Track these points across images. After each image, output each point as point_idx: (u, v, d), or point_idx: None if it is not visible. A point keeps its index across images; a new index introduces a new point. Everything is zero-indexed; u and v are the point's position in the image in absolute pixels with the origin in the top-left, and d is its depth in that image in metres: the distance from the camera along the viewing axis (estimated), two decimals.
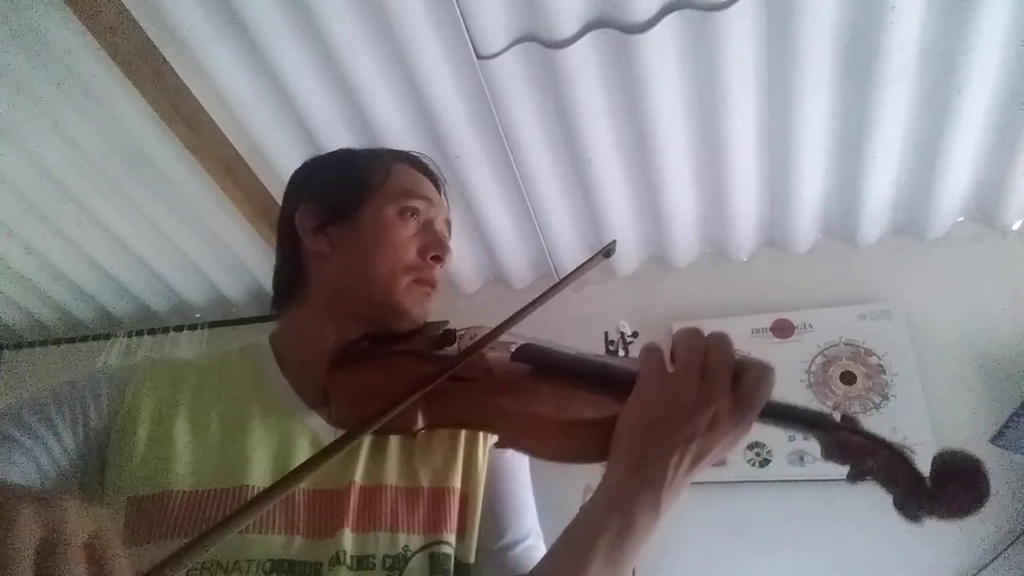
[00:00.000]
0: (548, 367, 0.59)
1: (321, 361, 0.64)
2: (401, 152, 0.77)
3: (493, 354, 0.62)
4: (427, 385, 0.52)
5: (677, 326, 1.94)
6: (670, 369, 0.50)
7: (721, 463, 1.39)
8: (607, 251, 0.69)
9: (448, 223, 0.76)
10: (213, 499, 0.56)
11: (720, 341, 0.49)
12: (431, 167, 0.77)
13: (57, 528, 0.28)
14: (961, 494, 0.42)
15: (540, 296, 0.61)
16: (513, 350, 0.61)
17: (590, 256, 0.68)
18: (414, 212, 0.70)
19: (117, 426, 0.58)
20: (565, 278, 0.65)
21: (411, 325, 0.68)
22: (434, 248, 0.70)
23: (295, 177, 0.77)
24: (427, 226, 0.71)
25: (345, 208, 0.69)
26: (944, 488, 0.43)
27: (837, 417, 0.49)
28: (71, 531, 0.29)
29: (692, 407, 0.47)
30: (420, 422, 0.58)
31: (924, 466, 0.45)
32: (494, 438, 0.65)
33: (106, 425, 0.58)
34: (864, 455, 0.46)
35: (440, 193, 0.76)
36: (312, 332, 0.68)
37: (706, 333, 0.50)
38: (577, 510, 0.53)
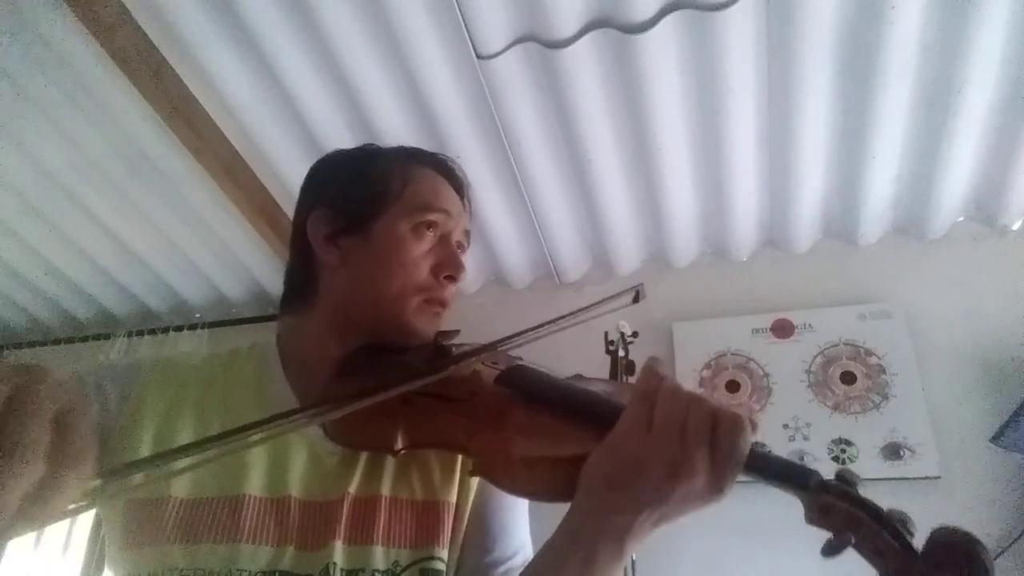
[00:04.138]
0: (532, 396, 0.56)
1: (323, 371, 0.63)
2: (425, 154, 0.73)
3: (487, 373, 0.60)
4: (400, 385, 0.50)
5: (677, 326, 1.94)
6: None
7: None
8: (636, 295, 0.64)
9: (467, 234, 0.73)
10: (209, 507, 0.56)
11: (701, 403, 0.46)
12: (456, 171, 0.74)
13: (26, 390, 0.29)
14: None
15: (541, 324, 0.58)
16: (500, 371, 0.59)
17: (616, 292, 0.63)
18: (431, 225, 0.67)
19: (121, 424, 0.58)
20: (575, 312, 0.60)
21: (419, 343, 0.66)
22: (448, 267, 0.67)
23: (313, 175, 0.74)
24: (444, 240, 0.68)
25: (359, 218, 0.66)
26: (938, 571, 0.38)
27: (831, 474, 0.44)
28: (40, 397, 0.29)
29: (669, 473, 0.44)
30: (400, 442, 0.57)
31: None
32: None
33: (110, 420, 0.58)
34: (849, 526, 0.42)
35: (463, 199, 0.73)
36: (316, 340, 0.67)
37: (675, 383, 0.47)
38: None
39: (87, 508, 0.33)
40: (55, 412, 0.30)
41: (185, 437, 0.58)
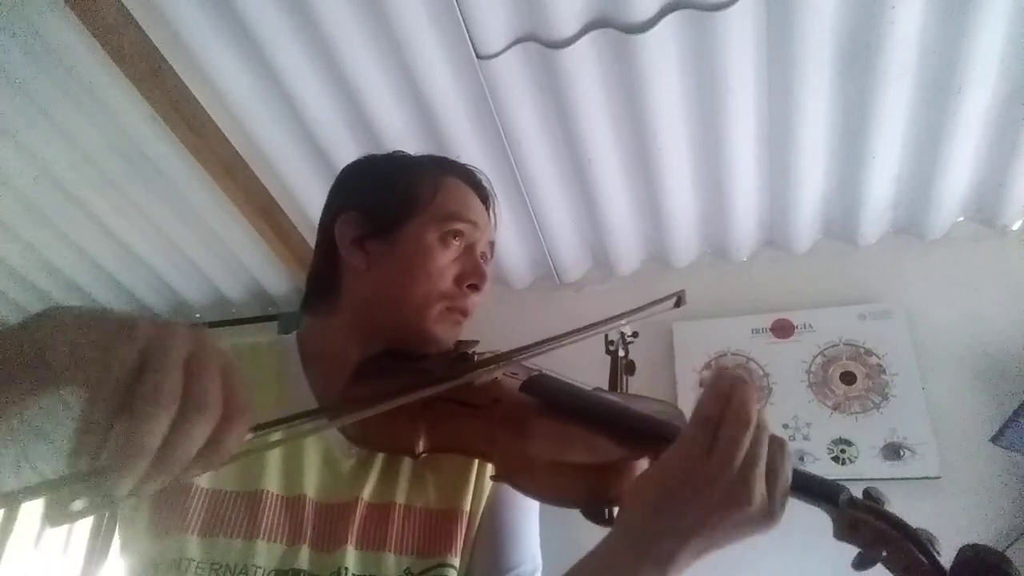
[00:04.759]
0: (555, 403, 0.57)
1: (343, 373, 0.63)
2: (455, 164, 0.75)
3: (508, 381, 0.61)
4: (422, 390, 0.50)
5: (677, 326, 1.94)
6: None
7: None
8: (677, 300, 0.65)
9: (491, 245, 0.75)
10: (229, 500, 0.56)
11: (764, 431, 0.45)
12: (484, 183, 0.76)
13: (204, 350, 0.33)
14: None
15: (565, 333, 0.58)
16: (524, 380, 0.60)
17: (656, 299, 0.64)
18: (458, 235, 0.68)
19: None
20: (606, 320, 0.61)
21: (438, 351, 0.67)
22: (472, 277, 0.68)
23: (343, 178, 0.75)
24: (469, 251, 0.70)
25: (387, 224, 0.67)
26: None
27: (859, 491, 0.44)
28: (214, 356, 0.33)
29: (725, 500, 0.43)
30: (421, 445, 0.58)
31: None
32: None
33: None
34: (879, 541, 0.42)
35: (489, 210, 0.75)
36: (338, 343, 0.67)
37: (738, 382, 0.45)
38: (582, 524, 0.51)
39: (240, 457, 0.36)
40: (222, 368, 0.34)
41: None
